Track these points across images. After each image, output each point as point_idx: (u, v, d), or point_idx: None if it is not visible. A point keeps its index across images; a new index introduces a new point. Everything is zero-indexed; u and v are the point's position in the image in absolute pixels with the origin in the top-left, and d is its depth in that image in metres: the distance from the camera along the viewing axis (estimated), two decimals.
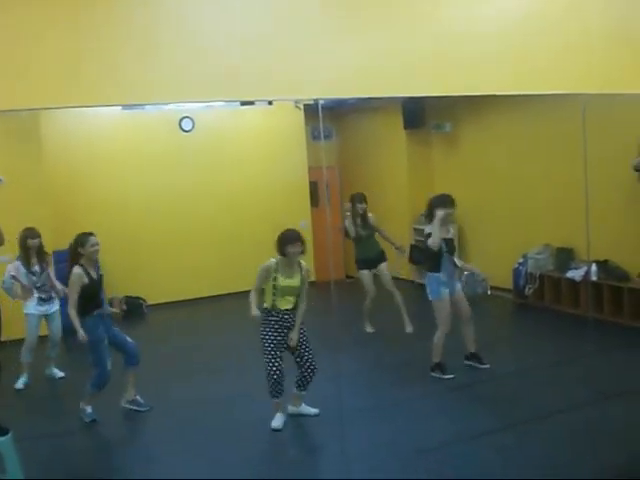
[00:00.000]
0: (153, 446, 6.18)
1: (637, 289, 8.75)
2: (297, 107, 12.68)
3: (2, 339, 8.08)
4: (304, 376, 6.22)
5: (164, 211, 12.07)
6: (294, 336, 6.08)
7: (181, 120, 12.19)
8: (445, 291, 7.19)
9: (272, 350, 6.05)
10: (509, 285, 10.67)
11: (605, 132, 8.45)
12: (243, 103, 12.44)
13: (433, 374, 7.26)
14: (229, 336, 9.62)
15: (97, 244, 6.47)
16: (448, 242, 7.27)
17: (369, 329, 9.31)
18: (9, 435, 5.21)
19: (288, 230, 6.06)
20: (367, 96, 5.67)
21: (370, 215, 9.16)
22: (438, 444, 5.67)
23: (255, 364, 6.67)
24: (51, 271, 7.82)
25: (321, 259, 12.16)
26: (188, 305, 11.93)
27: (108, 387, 6.62)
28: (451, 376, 7.18)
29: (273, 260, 6.07)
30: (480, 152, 11.55)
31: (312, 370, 6.20)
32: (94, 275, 6.50)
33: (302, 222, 12.51)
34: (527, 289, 10.26)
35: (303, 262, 6.20)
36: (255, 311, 6.01)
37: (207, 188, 12.31)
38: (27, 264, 7.63)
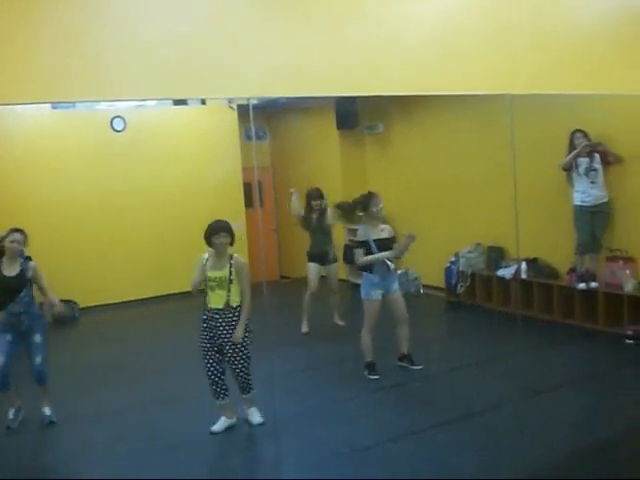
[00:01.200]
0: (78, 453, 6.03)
1: (566, 286, 8.94)
2: (230, 107, 12.61)
3: None
4: (235, 378, 6.05)
5: (95, 212, 11.87)
6: (237, 333, 5.87)
7: (112, 119, 12.02)
8: (377, 292, 7.16)
9: (204, 350, 5.95)
10: (441, 284, 10.78)
11: (533, 132, 8.61)
12: (176, 102, 12.33)
13: (364, 373, 7.28)
14: (163, 338, 9.50)
15: (17, 241, 6.28)
16: (382, 242, 7.20)
17: (305, 328, 9.27)
18: None
19: (215, 221, 5.96)
20: (299, 95, 5.62)
21: (330, 210, 9.02)
22: (370, 443, 5.69)
23: (191, 365, 6.62)
24: None
25: (256, 259, 12.10)
26: (121, 308, 11.75)
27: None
28: (375, 377, 7.17)
29: (206, 253, 5.99)
30: (412, 152, 11.66)
31: (239, 372, 5.99)
32: (8, 272, 6.30)
33: (237, 223, 12.44)
34: (459, 287, 10.39)
35: (238, 255, 6.05)
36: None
37: (139, 189, 12.14)
38: None
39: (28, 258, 6.67)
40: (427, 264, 10.89)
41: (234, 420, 6.16)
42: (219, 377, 5.99)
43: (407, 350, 7.48)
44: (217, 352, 5.96)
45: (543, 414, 6.13)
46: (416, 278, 10.97)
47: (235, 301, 5.97)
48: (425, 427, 5.93)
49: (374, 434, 5.95)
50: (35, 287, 6.49)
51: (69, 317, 11.09)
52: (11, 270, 6.33)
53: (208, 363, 5.95)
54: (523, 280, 9.28)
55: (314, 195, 9.18)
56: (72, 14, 4.48)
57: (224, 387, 6.03)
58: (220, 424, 6.08)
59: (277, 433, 5.68)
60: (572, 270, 8.80)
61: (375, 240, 7.14)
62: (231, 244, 5.97)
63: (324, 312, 9.45)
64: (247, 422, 6.19)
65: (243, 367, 5.98)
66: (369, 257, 7.11)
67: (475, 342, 8.59)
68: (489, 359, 7.80)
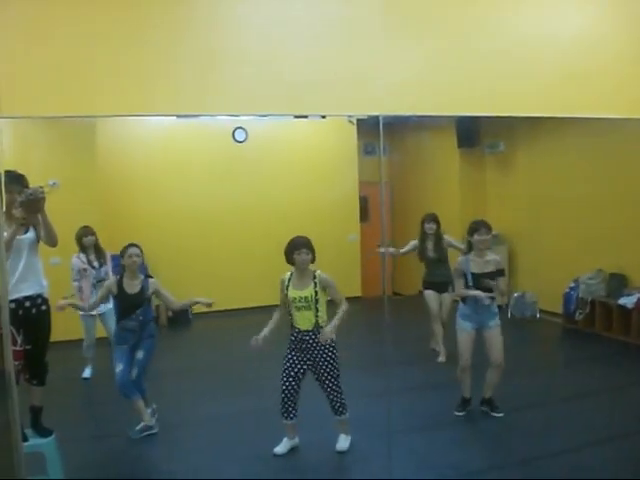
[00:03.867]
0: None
1: None
2: (350, 122, 12.68)
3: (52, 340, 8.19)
4: (329, 400, 5.91)
5: (215, 221, 12.15)
6: (326, 330, 5.63)
7: (234, 130, 12.27)
8: (467, 324, 6.64)
9: (287, 369, 5.81)
10: (559, 309, 10.49)
11: None
12: (296, 115, 12.49)
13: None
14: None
15: (135, 255, 6.40)
16: (484, 276, 6.55)
17: (441, 358, 8.84)
18: (52, 436, 5.26)
19: (296, 236, 5.82)
20: (427, 114, 5.54)
21: (446, 237, 8.82)
22: (479, 468, 5.61)
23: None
24: (109, 268, 8.14)
25: (369, 274, 12.12)
26: (234, 315, 11.93)
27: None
28: (460, 414, 6.79)
29: (288, 272, 5.86)
30: (534, 173, 11.42)
31: (332, 392, 5.84)
32: (130, 289, 6.41)
33: (351, 236, 12.51)
34: (578, 314, 10.09)
35: (320, 272, 5.80)
36: (260, 335, 5.80)
37: (258, 199, 12.35)
38: (86, 260, 8.04)
39: (148, 276, 6.78)
40: (545, 288, 10.68)
41: (296, 441, 6.03)
42: (295, 396, 5.84)
43: (490, 395, 6.83)
44: (303, 373, 5.83)
45: None
46: (534, 302, 10.82)
47: (324, 320, 5.78)
48: (533, 457, 5.76)
49: (483, 460, 5.84)
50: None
51: (184, 320, 11.40)
52: (132, 287, 6.42)
53: (288, 382, 5.78)
54: None
55: (428, 218, 8.84)
56: (205, 33, 4.60)
57: (296, 406, 5.88)
58: (284, 445, 5.95)
59: (390, 452, 5.62)
60: None
61: (475, 274, 6.58)
62: (312, 261, 5.78)
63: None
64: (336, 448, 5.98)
65: (335, 386, 5.84)
66: (462, 291, 6.69)
67: (591, 372, 8.29)
68: (604, 389, 7.51)
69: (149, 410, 6.61)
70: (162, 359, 7.22)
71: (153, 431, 6.52)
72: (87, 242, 8.04)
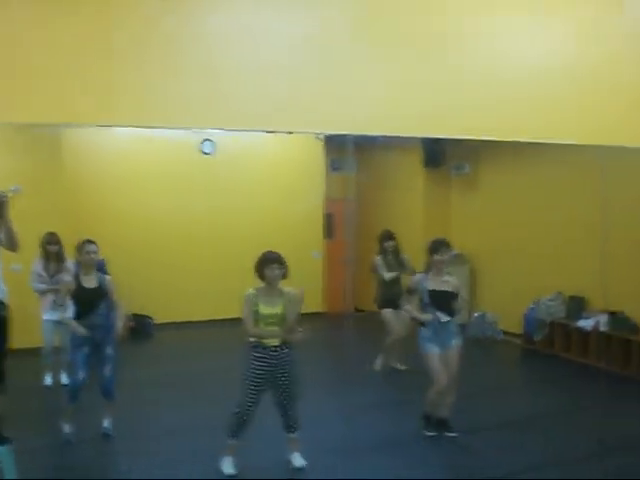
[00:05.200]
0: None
1: None
2: (318, 138, 12.73)
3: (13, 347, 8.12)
4: (285, 417, 5.80)
5: (178, 231, 12.11)
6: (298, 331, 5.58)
7: (202, 142, 12.26)
8: (433, 347, 6.50)
9: (251, 387, 5.60)
10: (519, 330, 10.61)
11: (626, 185, 8.42)
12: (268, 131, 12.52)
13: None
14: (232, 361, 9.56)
15: (93, 252, 6.40)
16: (440, 295, 6.51)
17: (400, 366, 9.09)
18: (9, 445, 5.20)
19: (267, 251, 5.62)
20: (395, 134, 5.56)
21: (405, 256, 8.94)
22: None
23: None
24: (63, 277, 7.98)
25: (332, 290, 12.15)
26: (195, 327, 11.90)
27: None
28: (432, 433, 6.66)
29: (251, 289, 5.63)
30: (497, 195, 11.56)
31: (290, 409, 5.76)
32: (87, 284, 6.40)
33: (314, 253, 12.54)
34: (537, 335, 10.21)
35: (289, 289, 5.65)
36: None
37: (223, 212, 12.36)
38: (45, 266, 8.07)
39: (104, 272, 6.82)
40: (505, 309, 10.80)
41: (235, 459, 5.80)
42: (253, 415, 5.65)
43: (446, 414, 6.71)
44: (264, 391, 5.68)
45: (611, 474, 5.90)
46: (494, 322, 10.92)
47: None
48: (489, 478, 5.80)
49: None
50: None
51: (145, 332, 11.34)
52: (90, 282, 6.42)
53: (251, 400, 5.59)
54: (603, 333, 9.06)
55: (387, 236, 8.95)
56: (169, 46, 4.63)
57: (245, 428, 5.69)
58: (230, 464, 5.72)
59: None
60: None
61: (432, 291, 6.53)
62: (284, 276, 5.61)
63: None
64: (290, 464, 5.84)
65: (294, 403, 5.76)
66: (408, 309, 6.71)
67: (548, 393, 8.39)
68: (561, 411, 7.59)
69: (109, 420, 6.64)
70: (123, 370, 7.15)
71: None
72: (51, 249, 8.06)
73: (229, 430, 5.69)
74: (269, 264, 5.55)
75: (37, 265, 8.11)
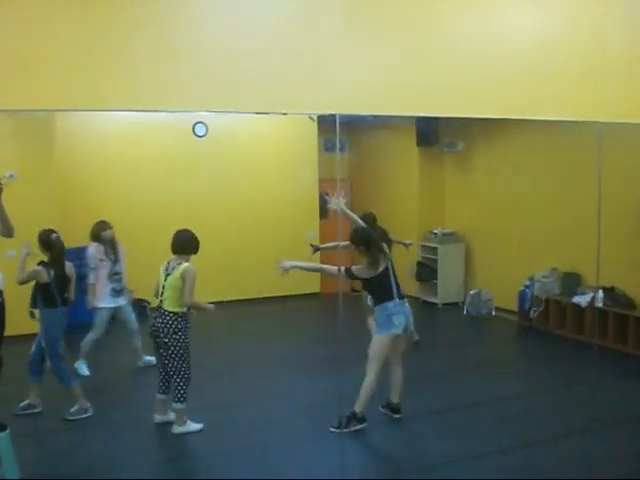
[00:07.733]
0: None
1: None
2: (310, 118, 12.70)
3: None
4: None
5: (173, 215, 12.05)
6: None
7: (195, 125, 12.23)
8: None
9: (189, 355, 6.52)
10: (514, 307, 10.65)
11: (620, 160, 8.42)
12: (257, 112, 12.48)
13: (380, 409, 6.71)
14: (233, 341, 9.60)
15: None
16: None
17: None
18: (7, 431, 5.21)
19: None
20: (385, 114, 5.56)
21: (391, 235, 8.64)
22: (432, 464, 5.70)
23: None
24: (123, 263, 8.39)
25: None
26: None
27: None
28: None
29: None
30: (491, 173, 11.57)
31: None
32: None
33: (310, 233, 12.53)
34: (532, 312, 10.24)
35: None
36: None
37: (217, 194, 12.35)
38: (105, 252, 8.19)
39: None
40: (501, 286, 10.83)
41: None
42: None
43: (397, 398, 6.64)
44: None
45: (607, 447, 5.98)
46: (489, 299, 10.96)
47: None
48: (486, 453, 5.86)
49: (430, 457, 5.92)
50: None
51: (140, 316, 11.33)
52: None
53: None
54: (599, 309, 9.10)
55: (370, 218, 8.34)
56: (159, 28, 4.58)
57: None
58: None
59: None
60: None
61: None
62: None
63: None
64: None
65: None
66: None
67: (544, 369, 8.45)
68: (557, 387, 7.66)
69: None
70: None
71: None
72: (105, 236, 8.15)
73: (186, 396, 6.40)
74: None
75: (94, 251, 8.12)
